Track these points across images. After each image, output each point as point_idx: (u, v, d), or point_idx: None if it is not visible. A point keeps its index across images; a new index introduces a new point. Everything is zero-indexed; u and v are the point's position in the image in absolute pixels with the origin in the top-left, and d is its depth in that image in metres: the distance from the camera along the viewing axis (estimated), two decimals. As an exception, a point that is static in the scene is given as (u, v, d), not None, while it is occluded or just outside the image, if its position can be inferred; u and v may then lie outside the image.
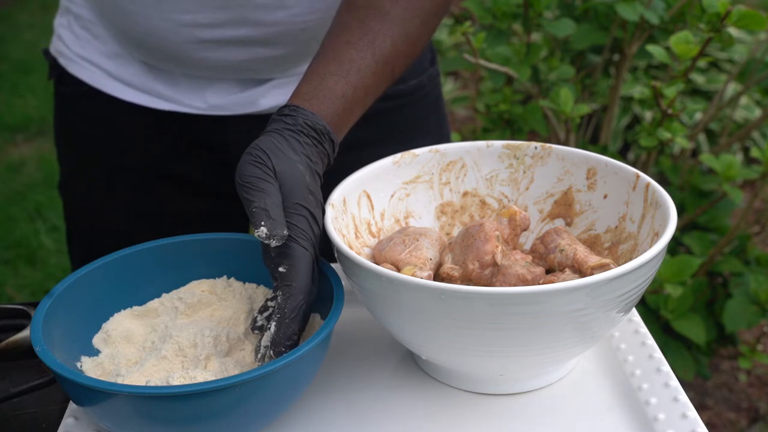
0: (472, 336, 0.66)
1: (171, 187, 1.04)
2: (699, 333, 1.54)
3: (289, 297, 0.67)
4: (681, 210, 1.67)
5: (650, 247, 0.67)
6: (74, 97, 1.03)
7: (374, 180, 0.82)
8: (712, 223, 1.71)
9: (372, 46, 0.78)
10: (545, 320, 0.64)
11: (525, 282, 0.72)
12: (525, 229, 0.79)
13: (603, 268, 0.71)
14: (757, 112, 2.30)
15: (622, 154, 2.27)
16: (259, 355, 0.69)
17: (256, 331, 0.73)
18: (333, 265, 0.75)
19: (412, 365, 0.78)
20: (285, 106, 0.74)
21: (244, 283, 0.79)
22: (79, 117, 1.04)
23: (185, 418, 0.63)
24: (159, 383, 0.67)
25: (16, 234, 2.65)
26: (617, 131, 2.27)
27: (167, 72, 0.97)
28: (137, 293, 0.78)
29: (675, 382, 0.73)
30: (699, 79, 2.33)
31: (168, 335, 0.72)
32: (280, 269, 0.68)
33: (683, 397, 0.71)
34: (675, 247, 1.75)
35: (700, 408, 1.91)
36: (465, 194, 0.86)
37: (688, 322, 1.55)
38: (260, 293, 0.78)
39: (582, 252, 0.75)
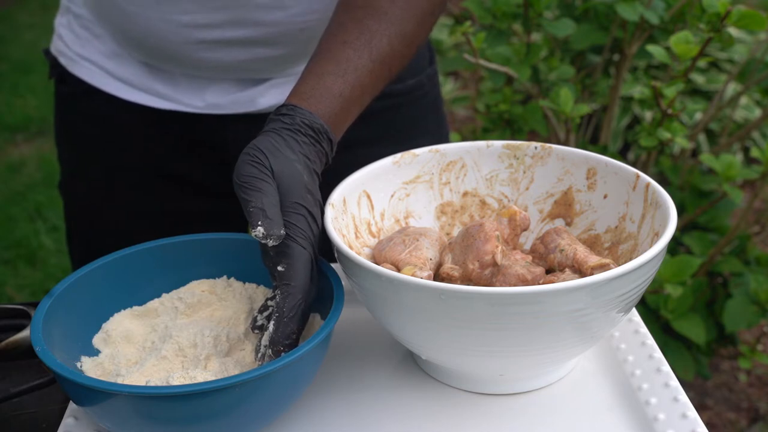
0: (472, 336, 0.66)
1: (171, 186, 1.04)
2: (699, 333, 1.54)
3: (287, 296, 0.67)
4: (681, 210, 1.67)
5: (650, 247, 0.67)
6: (74, 97, 1.03)
7: (374, 180, 0.82)
8: (712, 223, 1.71)
9: (369, 46, 0.78)
10: (545, 320, 0.64)
11: (525, 282, 0.72)
12: (525, 229, 0.79)
13: (603, 268, 0.71)
14: (757, 112, 2.30)
15: (622, 154, 2.27)
16: (259, 355, 0.69)
17: (256, 331, 0.73)
18: (333, 265, 0.75)
19: (412, 365, 0.78)
20: (283, 105, 0.74)
21: (244, 283, 0.79)
22: (79, 116, 1.04)
23: (185, 418, 0.63)
24: (159, 383, 0.67)
25: (16, 234, 2.65)
26: (617, 131, 2.27)
27: (166, 71, 0.97)
28: (137, 293, 0.78)
29: (675, 382, 0.73)
30: (699, 79, 2.33)
31: (168, 335, 0.72)
32: (279, 268, 0.68)
33: (683, 397, 0.71)
34: (675, 247, 1.75)
35: (700, 408, 1.91)
36: (465, 194, 0.86)
37: (688, 322, 1.55)
38: (260, 293, 0.78)
39: (582, 252, 0.75)
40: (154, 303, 0.78)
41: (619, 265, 0.66)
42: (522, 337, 0.65)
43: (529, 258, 0.76)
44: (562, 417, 0.72)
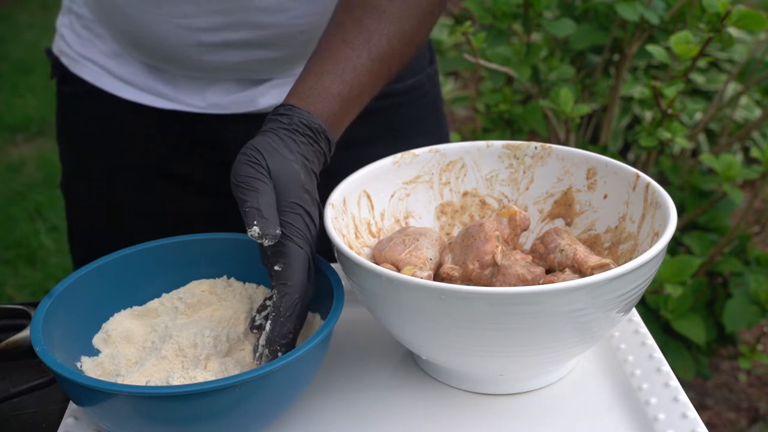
0: (472, 336, 0.66)
1: (172, 186, 1.04)
2: (699, 333, 1.54)
3: (284, 295, 0.67)
4: (681, 210, 1.67)
5: (650, 247, 0.67)
6: (76, 96, 1.03)
7: (374, 180, 0.82)
8: (712, 223, 1.71)
9: (368, 45, 0.78)
10: (545, 320, 0.64)
11: (525, 282, 0.72)
12: (525, 229, 0.79)
13: (603, 268, 0.71)
14: (757, 112, 2.30)
15: (622, 154, 2.27)
16: (257, 355, 0.69)
17: (255, 331, 0.73)
18: (333, 265, 0.75)
19: (412, 365, 0.78)
20: (281, 105, 0.74)
21: (244, 283, 0.79)
22: (81, 116, 1.04)
23: (185, 418, 0.63)
24: (159, 383, 0.67)
25: (16, 234, 2.65)
26: (617, 131, 2.27)
27: (167, 72, 0.97)
28: (137, 293, 0.78)
29: (675, 382, 0.73)
30: (699, 79, 2.33)
31: (168, 335, 0.72)
32: (276, 267, 0.68)
33: (683, 397, 0.71)
34: (675, 247, 1.75)
35: (700, 408, 1.91)
36: (465, 194, 0.86)
37: (688, 322, 1.55)
38: (260, 293, 0.78)
39: (582, 252, 0.75)
40: (154, 303, 0.78)
41: (619, 265, 0.66)
42: (522, 337, 0.65)
43: (529, 258, 0.76)
44: (562, 417, 0.72)
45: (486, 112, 1.65)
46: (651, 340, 0.79)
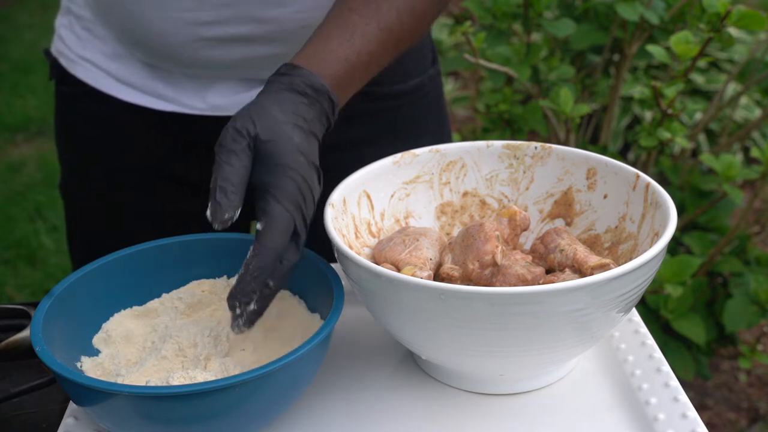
0: (472, 336, 0.66)
1: (172, 187, 1.04)
2: (699, 333, 1.54)
3: (256, 255, 0.65)
4: (681, 210, 1.67)
5: (650, 247, 0.67)
6: (75, 98, 1.03)
7: (374, 180, 0.82)
8: (712, 223, 1.72)
9: (377, 14, 0.76)
10: (545, 320, 0.64)
11: (525, 282, 0.72)
12: (525, 229, 0.79)
13: (603, 268, 0.71)
14: (757, 112, 2.30)
15: (622, 154, 2.27)
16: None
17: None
18: (333, 265, 0.75)
19: (412, 365, 0.78)
20: (282, 65, 0.72)
21: (244, 283, 0.79)
22: (80, 117, 1.04)
23: (185, 418, 0.63)
24: (159, 383, 0.67)
25: (16, 234, 2.64)
26: (617, 131, 2.27)
27: (168, 72, 0.97)
28: (137, 293, 0.78)
29: (675, 382, 0.73)
30: (699, 79, 2.33)
31: (168, 335, 0.72)
32: (258, 226, 0.65)
33: (683, 397, 0.71)
34: (675, 247, 1.75)
35: (700, 408, 1.91)
36: (465, 194, 0.86)
37: (688, 322, 1.55)
38: (260, 293, 0.78)
39: (582, 252, 0.75)
40: (154, 303, 0.78)
41: (619, 265, 0.66)
42: (522, 337, 0.66)
43: (529, 258, 0.76)
44: (562, 417, 0.72)
45: (486, 112, 1.65)
46: (651, 340, 0.79)
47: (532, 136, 1.64)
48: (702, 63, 2.11)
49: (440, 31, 2.51)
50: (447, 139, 1.13)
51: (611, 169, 0.81)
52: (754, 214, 1.94)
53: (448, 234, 0.86)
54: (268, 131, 0.67)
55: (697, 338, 1.54)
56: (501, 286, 0.72)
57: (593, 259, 0.73)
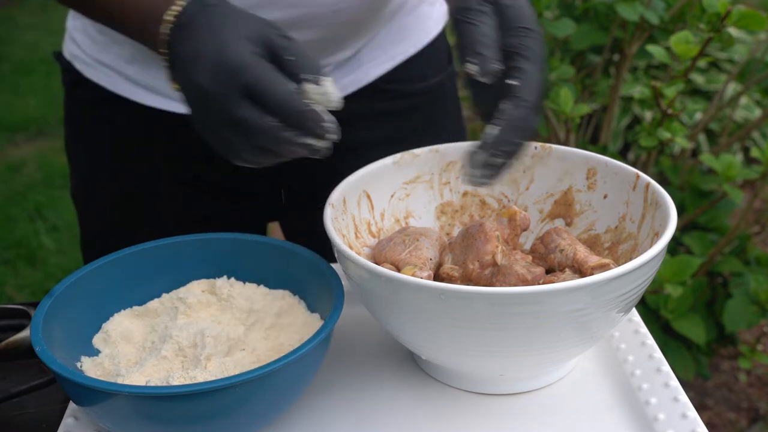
0: (472, 336, 0.66)
1: (191, 190, 1.01)
2: (699, 333, 1.54)
3: (518, 107, 0.66)
4: (681, 210, 1.67)
5: (650, 247, 0.67)
6: (91, 102, 1.00)
7: (374, 180, 0.82)
8: (712, 223, 1.72)
9: None
10: (545, 320, 0.64)
11: (525, 282, 0.72)
12: (525, 229, 0.79)
13: (603, 268, 0.71)
14: (757, 112, 2.30)
15: (622, 154, 2.27)
16: (472, 161, 0.69)
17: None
18: (333, 265, 0.76)
19: (412, 365, 0.78)
20: None
21: (244, 283, 0.79)
22: (96, 122, 1.02)
23: (185, 418, 0.63)
24: (159, 383, 0.67)
25: (16, 234, 2.65)
26: (617, 131, 2.27)
27: None
28: (137, 293, 0.78)
29: (675, 382, 0.73)
30: (699, 79, 2.33)
31: (168, 335, 0.72)
32: (510, 81, 0.67)
33: (683, 397, 0.71)
34: (675, 247, 1.75)
35: (700, 408, 1.91)
36: (465, 194, 0.86)
37: (688, 322, 1.55)
38: (260, 293, 0.78)
39: (582, 252, 0.75)
40: (154, 303, 0.78)
41: (619, 265, 0.66)
42: (522, 337, 0.66)
43: (529, 258, 0.76)
44: (562, 417, 0.72)
45: (486, 112, 1.65)
46: (651, 340, 0.79)
47: (532, 136, 1.64)
48: (702, 63, 2.11)
49: (440, 31, 2.50)
50: (464, 139, 1.13)
51: (611, 169, 0.81)
52: (754, 214, 1.94)
53: (448, 234, 0.86)
54: None
55: (697, 338, 1.54)
56: (501, 286, 0.72)
57: (593, 259, 0.73)
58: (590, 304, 0.64)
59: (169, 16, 0.70)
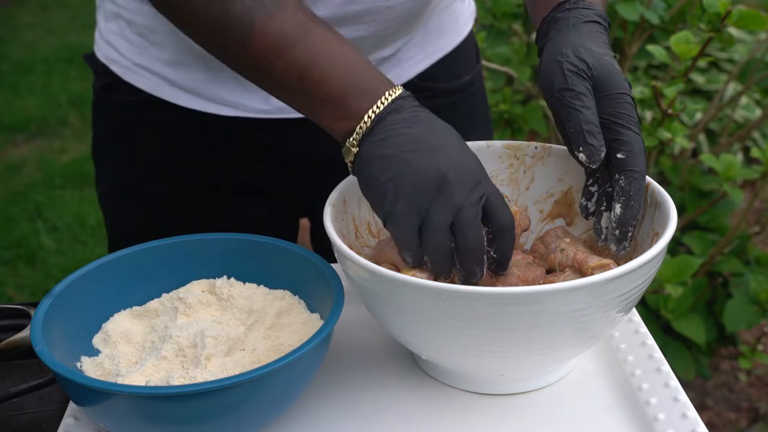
0: (472, 336, 0.66)
1: (229, 193, 1.01)
2: (699, 333, 1.54)
3: (632, 180, 0.72)
4: (681, 210, 1.67)
5: (650, 247, 0.67)
6: (129, 106, 0.99)
7: (374, 180, 0.82)
8: (712, 223, 1.72)
9: None
10: (545, 320, 0.64)
11: (525, 282, 0.72)
12: (525, 229, 0.79)
13: (603, 268, 0.71)
14: (757, 112, 2.30)
15: (622, 154, 2.26)
16: (602, 237, 0.76)
17: (591, 217, 0.78)
18: (333, 265, 0.75)
19: (412, 365, 0.78)
20: (566, 1, 0.78)
21: (244, 283, 0.79)
22: (135, 125, 1.00)
23: (185, 418, 0.63)
24: (159, 383, 0.67)
25: (16, 234, 2.65)
26: (617, 131, 2.26)
27: (230, 75, 0.92)
28: (137, 293, 0.78)
29: (675, 382, 0.73)
30: (699, 79, 2.33)
31: (168, 335, 0.72)
32: (619, 156, 0.72)
33: (683, 397, 0.71)
34: (675, 247, 1.75)
35: (700, 408, 1.91)
36: (465, 194, 0.86)
37: (688, 322, 1.55)
38: (260, 293, 0.78)
39: (582, 252, 0.75)
40: (154, 303, 0.78)
41: (619, 266, 0.66)
42: (522, 337, 0.65)
43: (530, 258, 0.76)
44: (562, 417, 0.72)
45: (486, 112, 1.65)
46: (651, 340, 0.79)
47: (532, 136, 1.64)
48: (702, 63, 2.12)
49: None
50: (490, 137, 1.13)
51: (611, 169, 0.81)
52: (754, 214, 1.94)
53: (448, 234, 0.86)
54: (598, 66, 0.73)
55: (697, 338, 1.54)
56: (501, 286, 0.72)
57: (593, 260, 0.73)
58: (590, 304, 0.64)
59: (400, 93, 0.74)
